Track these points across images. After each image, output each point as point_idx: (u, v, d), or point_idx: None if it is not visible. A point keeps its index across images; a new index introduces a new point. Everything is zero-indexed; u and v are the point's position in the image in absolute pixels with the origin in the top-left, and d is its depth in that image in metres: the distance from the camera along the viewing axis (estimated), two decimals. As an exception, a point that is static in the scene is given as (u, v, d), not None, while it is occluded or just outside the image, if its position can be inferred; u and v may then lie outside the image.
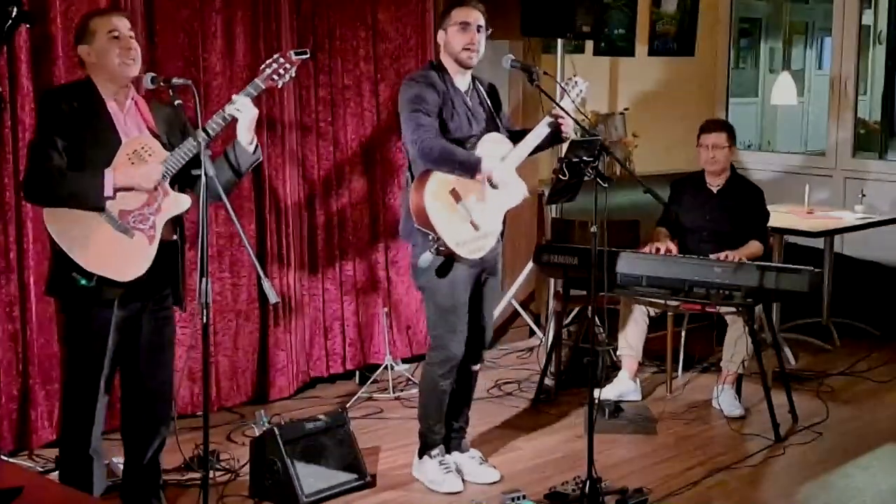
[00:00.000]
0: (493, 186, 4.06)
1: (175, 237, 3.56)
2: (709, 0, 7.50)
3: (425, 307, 4.24)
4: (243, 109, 3.50)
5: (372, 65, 5.45)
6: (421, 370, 4.30)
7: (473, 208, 4.01)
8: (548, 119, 4.13)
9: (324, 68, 5.28)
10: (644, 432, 4.83)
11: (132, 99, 3.51)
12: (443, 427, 4.25)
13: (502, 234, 4.22)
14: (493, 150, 4.08)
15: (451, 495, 4.15)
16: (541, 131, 4.13)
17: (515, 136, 4.21)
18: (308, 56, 3.63)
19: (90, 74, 3.47)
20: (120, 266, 3.39)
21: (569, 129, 4.15)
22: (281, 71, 3.54)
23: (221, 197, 3.30)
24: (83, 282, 3.35)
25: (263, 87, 3.53)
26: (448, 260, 3.99)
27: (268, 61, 3.56)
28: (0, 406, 4.35)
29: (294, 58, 3.55)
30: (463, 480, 4.22)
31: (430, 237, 3.94)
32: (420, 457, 4.28)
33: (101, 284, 3.37)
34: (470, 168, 3.96)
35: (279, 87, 3.60)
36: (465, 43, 4.01)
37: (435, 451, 4.24)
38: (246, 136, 3.56)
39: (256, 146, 3.62)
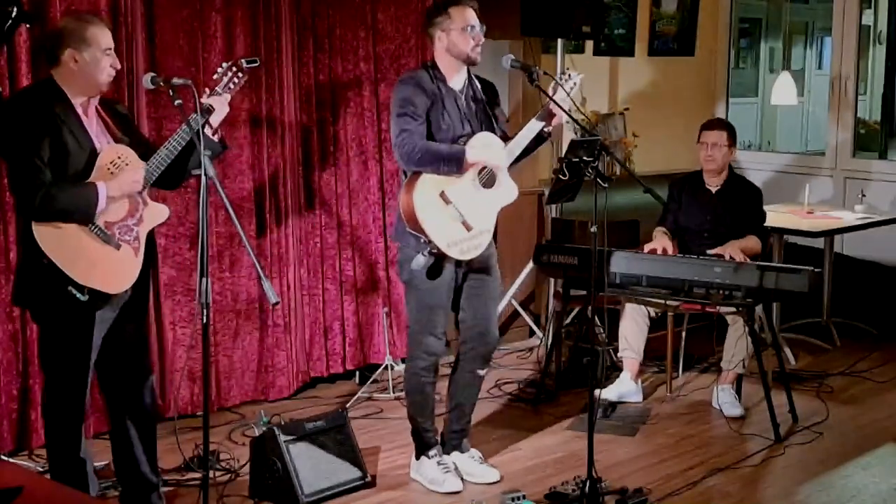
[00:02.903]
0: (486, 186, 4.06)
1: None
2: (709, 0, 7.50)
3: (406, 302, 4.24)
4: (220, 106, 3.63)
5: (372, 65, 5.45)
6: (404, 371, 4.30)
7: (464, 209, 3.99)
8: (538, 115, 4.11)
9: (324, 68, 5.28)
10: (623, 433, 4.82)
11: (94, 105, 3.51)
12: (434, 425, 4.26)
13: (494, 235, 4.22)
14: (482, 148, 4.05)
15: (451, 495, 4.15)
16: (533, 126, 4.09)
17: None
18: (258, 65, 3.81)
19: (59, 77, 3.43)
20: (111, 278, 3.41)
21: (557, 123, 4.13)
22: (235, 80, 3.67)
23: (213, 192, 3.33)
24: (79, 296, 3.35)
25: (224, 95, 3.65)
26: (438, 261, 4.00)
27: (220, 71, 3.68)
28: (0, 406, 4.36)
29: (245, 66, 3.69)
30: (462, 480, 4.23)
31: (422, 240, 3.94)
32: (417, 457, 4.28)
33: (94, 297, 3.38)
34: (455, 161, 3.95)
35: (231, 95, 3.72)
36: (473, 45, 4.02)
37: (432, 452, 4.24)
38: (209, 130, 3.62)
39: (222, 137, 3.73)
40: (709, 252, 5.02)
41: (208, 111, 3.57)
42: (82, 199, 3.34)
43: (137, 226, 3.47)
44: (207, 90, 3.66)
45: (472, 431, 4.47)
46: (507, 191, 4.13)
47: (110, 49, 3.45)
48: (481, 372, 4.30)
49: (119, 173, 3.41)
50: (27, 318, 4.37)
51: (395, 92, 4.05)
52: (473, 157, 3.99)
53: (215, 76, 3.68)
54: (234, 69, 3.67)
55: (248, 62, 3.71)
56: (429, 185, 3.96)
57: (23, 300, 3.52)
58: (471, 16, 4.03)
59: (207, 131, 3.60)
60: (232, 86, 3.66)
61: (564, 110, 4.08)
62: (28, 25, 4.00)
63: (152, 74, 3.50)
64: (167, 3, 4.71)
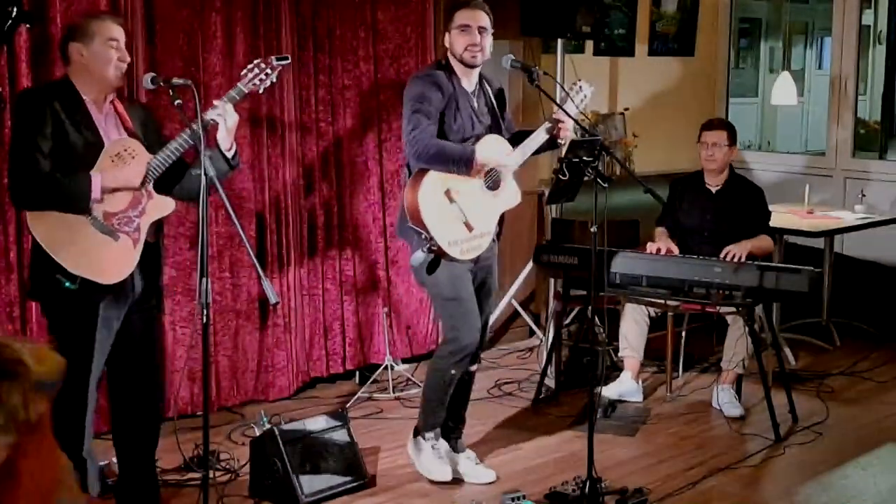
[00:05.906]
0: (490, 188, 4.07)
1: (156, 239, 3.57)
2: (709, 0, 7.50)
3: (432, 303, 4.24)
4: (226, 115, 3.51)
5: (372, 65, 5.45)
6: (431, 361, 4.28)
7: (467, 209, 4.01)
8: (546, 125, 4.15)
9: (324, 68, 5.28)
10: (623, 433, 4.82)
11: (110, 101, 3.51)
12: (444, 410, 4.22)
13: (499, 235, 4.22)
14: (491, 151, 4.09)
15: (445, 490, 4.15)
16: (540, 137, 4.15)
17: (516, 138, 4.22)
18: (289, 62, 3.71)
19: (72, 74, 3.45)
20: (104, 268, 3.39)
21: (567, 134, 4.17)
22: (262, 76, 3.59)
23: (212, 192, 3.30)
24: (67, 284, 3.34)
25: (246, 92, 3.58)
26: (437, 258, 4.00)
27: (249, 66, 3.61)
28: (0, 406, 4.35)
29: (275, 63, 3.61)
30: (452, 470, 4.23)
31: (423, 236, 3.95)
32: (415, 436, 4.28)
33: (86, 287, 3.37)
34: (465, 162, 3.97)
35: (261, 91, 3.64)
36: (466, 44, 4.03)
37: (430, 434, 4.22)
38: (226, 141, 3.57)
39: (235, 153, 3.63)
40: (725, 249, 5.02)
41: (208, 127, 3.47)
42: (73, 189, 3.33)
43: (139, 217, 3.45)
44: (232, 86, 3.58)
45: (471, 431, 4.47)
46: (510, 195, 4.16)
47: (115, 41, 3.43)
48: (472, 368, 4.29)
49: (121, 164, 3.41)
50: (27, 317, 4.38)
51: (411, 87, 4.04)
52: (483, 159, 4.01)
53: (242, 73, 3.61)
54: (263, 66, 3.59)
55: (278, 59, 3.63)
56: (434, 182, 3.97)
57: (33, 293, 3.52)
58: (472, 17, 4.04)
59: (223, 144, 3.55)
60: (258, 82, 3.58)
61: (573, 118, 4.11)
62: (28, 25, 4.00)
63: (152, 75, 3.49)
64: (167, 3, 4.71)
